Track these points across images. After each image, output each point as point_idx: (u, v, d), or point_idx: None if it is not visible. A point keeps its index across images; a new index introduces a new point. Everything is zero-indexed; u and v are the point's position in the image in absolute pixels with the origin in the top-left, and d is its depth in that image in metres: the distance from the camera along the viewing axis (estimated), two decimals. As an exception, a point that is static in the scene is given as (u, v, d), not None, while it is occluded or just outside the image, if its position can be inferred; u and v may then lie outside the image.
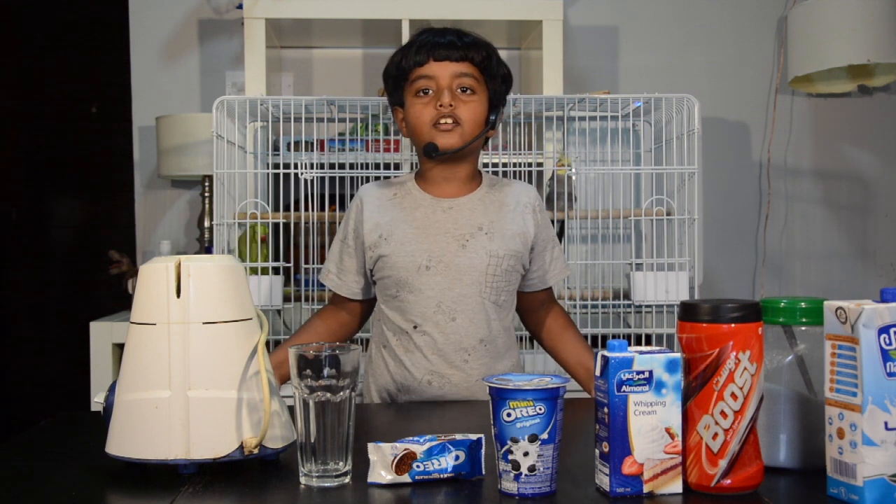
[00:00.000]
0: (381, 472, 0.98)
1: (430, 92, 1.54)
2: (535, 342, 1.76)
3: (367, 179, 2.21)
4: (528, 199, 1.62)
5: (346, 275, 1.62)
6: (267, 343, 1.12)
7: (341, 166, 2.21)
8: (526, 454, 0.93)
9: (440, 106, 1.52)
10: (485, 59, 1.56)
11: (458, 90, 1.54)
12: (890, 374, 0.89)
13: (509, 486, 0.94)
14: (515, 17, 2.63)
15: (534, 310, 1.69)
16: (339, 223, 1.65)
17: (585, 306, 2.26)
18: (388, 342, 1.59)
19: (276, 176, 2.29)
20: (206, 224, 2.78)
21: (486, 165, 2.26)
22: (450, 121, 1.53)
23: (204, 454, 1.02)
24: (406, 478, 0.98)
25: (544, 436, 0.93)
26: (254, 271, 2.13)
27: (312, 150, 2.30)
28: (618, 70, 3.08)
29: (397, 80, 1.59)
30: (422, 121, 1.54)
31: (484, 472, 1.01)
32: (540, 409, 0.92)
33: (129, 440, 1.03)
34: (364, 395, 1.67)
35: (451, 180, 1.59)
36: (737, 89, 3.10)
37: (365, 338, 2.25)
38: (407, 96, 1.58)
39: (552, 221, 1.94)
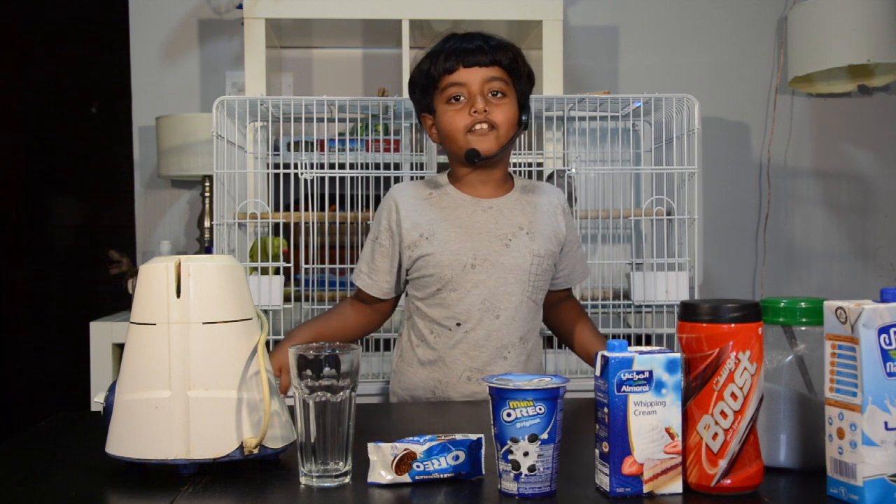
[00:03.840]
0: (381, 472, 0.98)
1: (462, 98, 1.56)
2: (553, 342, 1.77)
3: (367, 179, 2.21)
4: (557, 200, 1.67)
5: (378, 274, 1.62)
6: (267, 343, 1.12)
7: (341, 166, 2.21)
8: (526, 454, 0.93)
9: (474, 112, 1.54)
10: (512, 60, 1.58)
11: (489, 94, 1.56)
12: (890, 374, 0.89)
13: (509, 486, 0.94)
14: (515, 17, 2.63)
15: (552, 304, 1.72)
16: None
17: (585, 306, 2.25)
18: (424, 339, 1.60)
19: (276, 176, 2.28)
20: (206, 224, 2.78)
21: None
22: (485, 126, 1.55)
23: (204, 454, 1.02)
24: (406, 478, 0.98)
25: (544, 436, 0.93)
26: (254, 270, 2.13)
27: (312, 150, 2.30)
28: (618, 70, 3.08)
29: (426, 87, 1.60)
30: (456, 127, 1.56)
31: (484, 472, 1.01)
32: (540, 409, 0.93)
33: (129, 440, 1.03)
34: (392, 395, 1.68)
35: (486, 182, 1.62)
36: (737, 89, 3.10)
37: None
38: (438, 104, 1.59)
39: None
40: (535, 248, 1.59)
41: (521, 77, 1.60)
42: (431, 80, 1.58)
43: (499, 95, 1.56)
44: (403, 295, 1.68)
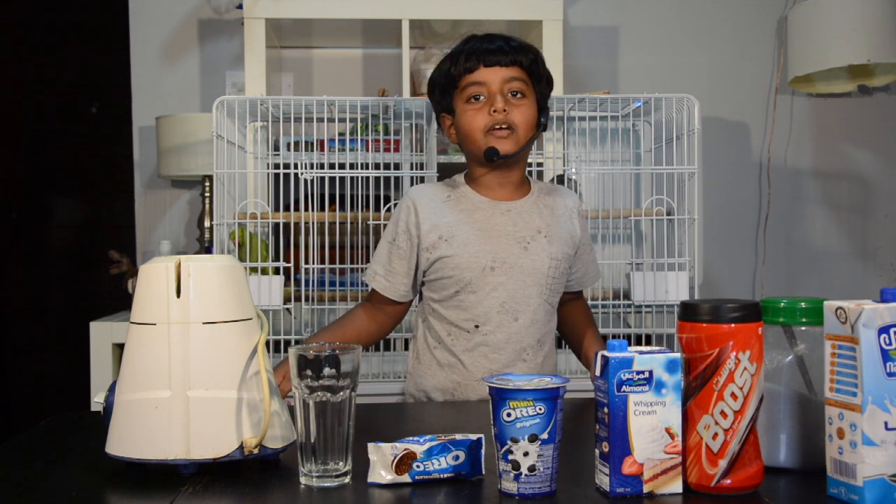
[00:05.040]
0: (381, 472, 0.98)
1: (482, 98, 1.56)
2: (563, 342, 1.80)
3: (367, 179, 2.21)
4: (573, 203, 1.68)
5: (395, 277, 1.61)
6: (267, 343, 1.12)
7: (341, 166, 2.21)
8: (526, 454, 0.93)
9: (494, 112, 1.54)
10: (532, 62, 1.58)
11: (509, 94, 1.56)
12: (890, 374, 0.89)
13: (509, 486, 0.94)
14: (515, 18, 2.63)
15: (562, 303, 1.72)
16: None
17: (585, 306, 2.26)
18: (442, 341, 1.60)
19: (276, 176, 2.28)
20: (206, 224, 2.78)
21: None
22: (505, 126, 1.55)
23: (204, 454, 1.02)
24: (406, 478, 0.98)
25: (544, 436, 0.93)
26: (253, 271, 2.13)
27: (312, 150, 2.30)
28: (618, 70, 3.08)
29: (445, 87, 1.61)
30: (475, 127, 1.56)
31: (484, 472, 1.01)
32: (540, 409, 0.93)
33: (129, 440, 1.03)
34: (408, 396, 1.67)
35: (504, 184, 1.62)
36: (737, 89, 3.10)
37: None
38: (457, 103, 1.59)
39: None
40: (553, 252, 1.59)
41: (540, 79, 1.60)
42: (451, 80, 1.58)
43: (518, 96, 1.56)
44: (417, 297, 1.68)
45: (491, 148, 1.55)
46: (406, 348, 2.19)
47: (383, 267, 1.63)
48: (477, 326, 1.57)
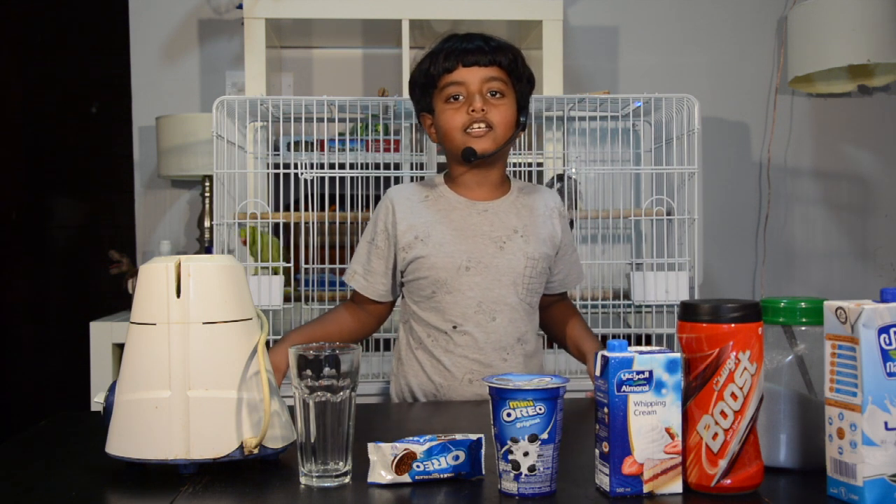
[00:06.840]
0: (381, 472, 0.98)
1: (461, 98, 1.56)
2: (553, 343, 1.79)
3: (367, 179, 2.21)
4: (554, 203, 1.67)
5: (374, 276, 1.62)
6: (267, 343, 1.12)
7: (341, 166, 2.21)
8: (526, 454, 0.93)
9: (472, 111, 1.54)
10: (512, 61, 1.58)
11: (488, 94, 1.56)
12: (890, 374, 0.89)
13: (509, 486, 0.94)
14: (515, 18, 2.63)
15: (546, 307, 1.72)
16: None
17: (585, 306, 2.26)
18: (422, 343, 1.60)
19: (276, 176, 2.29)
20: (206, 224, 2.78)
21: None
22: (482, 126, 1.55)
23: (204, 454, 1.02)
24: (406, 478, 0.98)
25: (544, 436, 0.93)
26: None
27: (312, 150, 2.30)
28: (618, 70, 3.08)
29: (425, 87, 1.60)
30: (453, 126, 1.56)
31: (484, 472, 1.01)
32: (540, 409, 0.93)
33: (129, 440, 1.03)
34: (394, 397, 1.67)
35: (483, 184, 1.62)
36: (737, 89, 3.10)
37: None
38: (437, 103, 1.59)
39: None
40: (530, 251, 1.59)
41: (520, 78, 1.60)
42: (431, 80, 1.58)
43: (497, 96, 1.56)
44: (400, 298, 1.68)
45: (468, 148, 1.55)
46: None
47: (362, 266, 1.63)
48: (455, 327, 1.57)
